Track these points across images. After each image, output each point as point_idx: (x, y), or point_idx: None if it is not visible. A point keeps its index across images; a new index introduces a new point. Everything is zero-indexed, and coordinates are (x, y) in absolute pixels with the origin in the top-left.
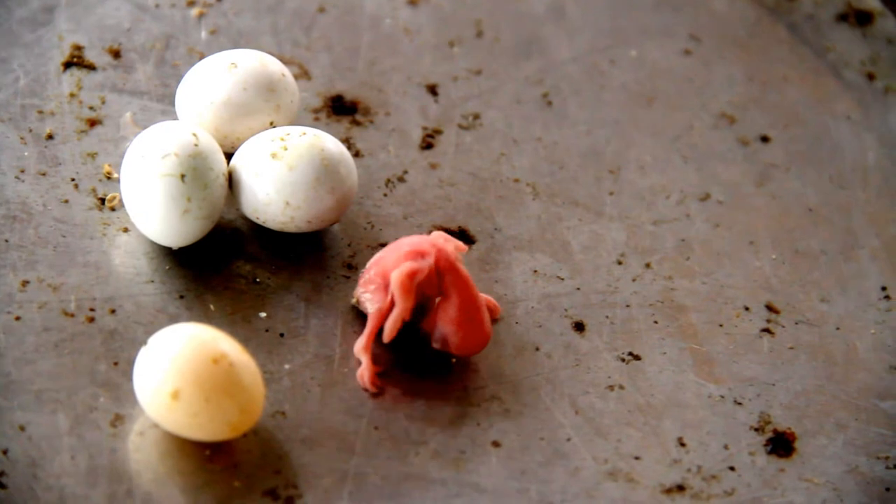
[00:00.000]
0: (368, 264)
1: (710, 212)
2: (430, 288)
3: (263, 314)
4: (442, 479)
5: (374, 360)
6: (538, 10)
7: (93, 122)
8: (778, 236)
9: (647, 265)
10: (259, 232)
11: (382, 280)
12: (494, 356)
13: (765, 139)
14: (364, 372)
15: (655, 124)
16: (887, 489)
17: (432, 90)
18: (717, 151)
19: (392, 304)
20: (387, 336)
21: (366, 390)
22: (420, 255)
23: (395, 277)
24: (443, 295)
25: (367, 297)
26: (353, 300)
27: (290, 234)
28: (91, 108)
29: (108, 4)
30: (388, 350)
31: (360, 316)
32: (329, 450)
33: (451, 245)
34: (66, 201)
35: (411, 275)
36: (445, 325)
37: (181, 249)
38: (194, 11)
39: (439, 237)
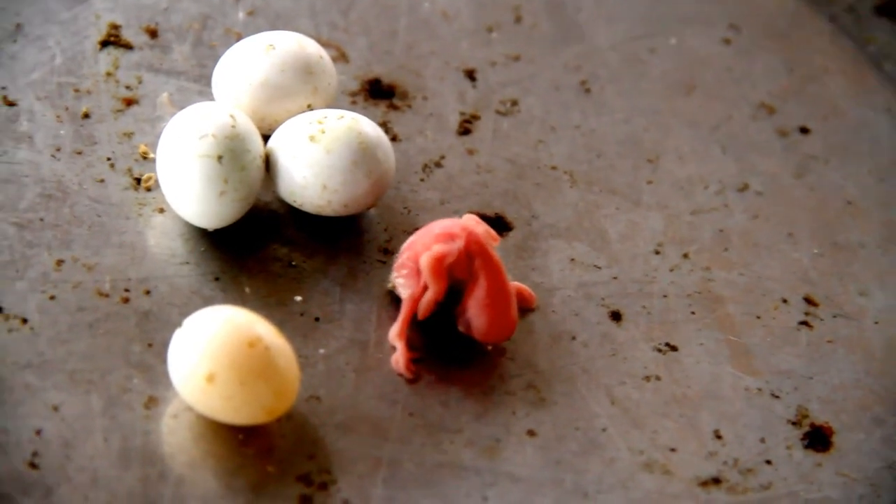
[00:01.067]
0: (401, 249)
1: (748, 203)
2: (460, 271)
3: (299, 298)
4: (476, 468)
5: (409, 345)
6: None
7: (129, 102)
8: (816, 228)
9: (685, 255)
10: (295, 215)
11: (414, 264)
12: (530, 344)
13: (804, 130)
14: (399, 358)
15: (694, 114)
16: None
17: (470, 75)
18: (756, 142)
19: (425, 289)
20: (421, 314)
21: (401, 376)
22: (450, 237)
23: (425, 260)
24: (472, 278)
25: (401, 281)
26: (390, 285)
27: (326, 218)
28: (127, 87)
29: None
30: (423, 336)
31: (395, 301)
32: (363, 436)
33: (482, 228)
34: (102, 181)
35: (440, 258)
36: (471, 308)
37: (216, 231)
38: None
39: (471, 220)
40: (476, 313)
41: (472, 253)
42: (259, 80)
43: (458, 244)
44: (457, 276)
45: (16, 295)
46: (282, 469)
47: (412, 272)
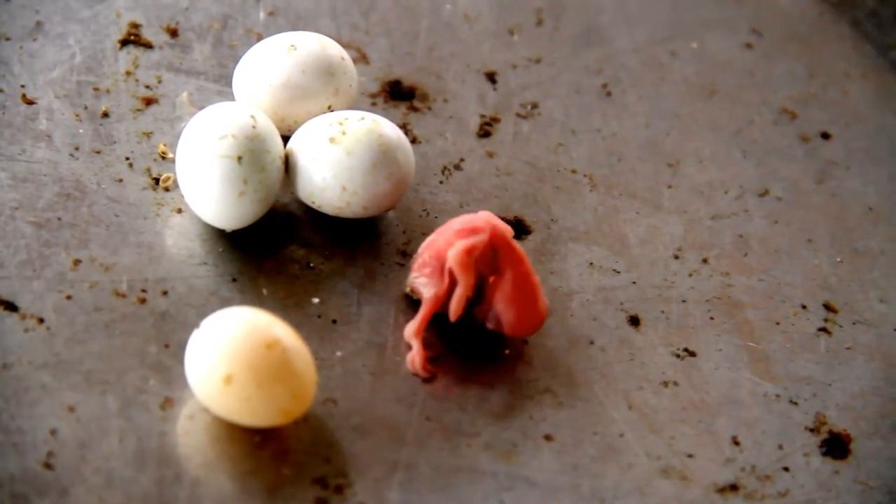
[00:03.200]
0: (420, 249)
1: (768, 208)
2: (485, 265)
3: (316, 300)
4: (493, 472)
5: (425, 345)
6: None
7: (148, 101)
8: (837, 234)
9: (705, 260)
10: (314, 216)
11: (437, 262)
12: (548, 348)
13: (825, 136)
14: (415, 357)
15: (715, 118)
16: None
17: (491, 77)
18: (777, 147)
19: (449, 286)
20: (453, 315)
21: (416, 375)
22: (473, 231)
23: (453, 255)
24: (497, 272)
25: (422, 281)
26: (407, 289)
27: (344, 220)
28: (147, 86)
29: None
30: (439, 338)
31: (413, 304)
32: (380, 439)
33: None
34: (121, 180)
35: (469, 251)
36: (499, 302)
37: (235, 232)
38: None
39: (488, 216)
40: (505, 307)
41: (497, 246)
42: (280, 80)
43: (483, 237)
44: (482, 271)
45: (33, 294)
46: (298, 472)
47: (435, 270)
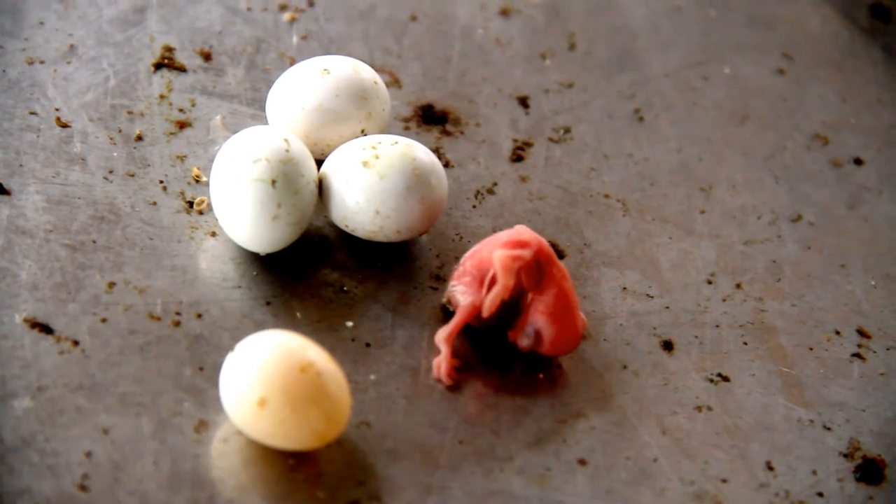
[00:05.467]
0: (463, 259)
1: (801, 233)
2: (528, 278)
3: (350, 323)
4: (526, 497)
5: (455, 355)
6: (632, 24)
7: (182, 125)
8: (869, 260)
9: (738, 285)
10: (347, 240)
11: (479, 272)
12: (581, 373)
13: (858, 161)
14: (442, 362)
15: (747, 143)
16: None
17: (523, 102)
18: (810, 172)
19: (489, 292)
20: (486, 311)
21: (439, 381)
22: (520, 245)
23: (499, 257)
24: (539, 289)
25: (460, 289)
26: (444, 299)
27: (378, 244)
28: (181, 110)
29: (200, 6)
30: (473, 352)
31: (448, 316)
32: (413, 462)
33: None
34: (154, 203)
35: (515, 257)
36: (540, 317)
37: (268, 255)
38: (286, 16)
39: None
40: (546, 323)
41: (542, 262)
42: (313, 104)
43: (529, 251)
44: (524, 284)
45: (67, 317)
46: (331, 495)
47: (475, 280)
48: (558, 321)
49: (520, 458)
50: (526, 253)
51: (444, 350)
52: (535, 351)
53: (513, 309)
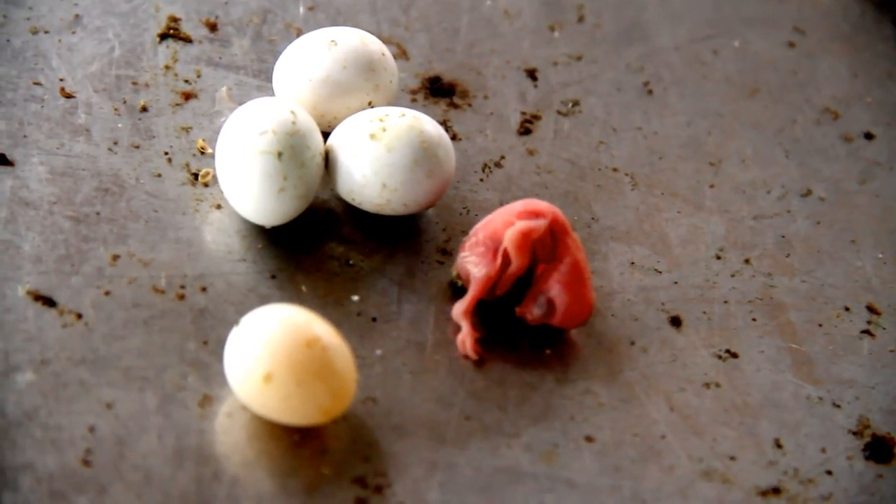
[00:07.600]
0: (475, 228)
1: (811, 208)
2: (543, 250)
3: (356, 297)
4: (533, 473)
5: (474, 328)
6: None
7: (188, 96)
8: (880, 236)
9: (747, 261)
10: (353, 213)
11: (492, 242)
12: (589, 348)
13: (868, 136)
14: (465, 338)
15: (757, 117)
16: None
17: (531, 74)
18: (820, 147)
19: (502, 267)
20: (499, 289)
21: (466, 357)
22: (535, 214)
23: (510, 234)
24: (554, 260)
25: (473, 260)
26: (454, 273)
27: (384, 217)
28: (186, 81)
29: None
30: (481, 328)
31: (457, 292)
32: (420, 438)
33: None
34: (159, 175)
35: (527, 233)
36: (553, 286)
37: (274, 228)
38: None
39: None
40: (559, 292)
41: (557, 232)
42: (320, 76)
43: (543, 221)
44: (538, 255)
45: (71, 290)
46: (337, 471)
47: (488, 250)
48: (572, 290)
49: (526, 434)
50: (541, 223)
51: (465, 325)
52: (545, 323)
53: (523, 282)
